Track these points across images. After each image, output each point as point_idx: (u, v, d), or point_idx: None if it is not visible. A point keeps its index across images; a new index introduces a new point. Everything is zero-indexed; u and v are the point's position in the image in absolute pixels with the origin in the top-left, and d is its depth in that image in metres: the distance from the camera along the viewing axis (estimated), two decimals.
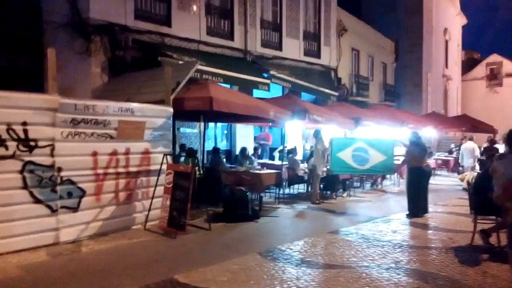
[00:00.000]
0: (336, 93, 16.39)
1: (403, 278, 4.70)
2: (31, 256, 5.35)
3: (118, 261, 5.28)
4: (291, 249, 5.90)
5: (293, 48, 15.24)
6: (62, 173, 5.93)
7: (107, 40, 9.78)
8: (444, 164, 17.90)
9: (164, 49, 10.46)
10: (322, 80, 15.96)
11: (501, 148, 14.52)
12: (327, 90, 15.56)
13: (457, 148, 19.43)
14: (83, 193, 6.21)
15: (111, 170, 6.61)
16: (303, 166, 11.01)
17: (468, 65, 37.00)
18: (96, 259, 5.37)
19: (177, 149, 9.86)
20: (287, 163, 10.73)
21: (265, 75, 12.35)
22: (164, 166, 7.14)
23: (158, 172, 7.09)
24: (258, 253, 5.62)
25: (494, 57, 35.80)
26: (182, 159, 9.20)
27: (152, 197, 7.01)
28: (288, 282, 4.56)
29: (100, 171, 6.45)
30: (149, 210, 6.96)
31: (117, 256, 5.50)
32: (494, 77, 35.42)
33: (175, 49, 10.82)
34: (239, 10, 13.09)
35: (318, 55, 16.59)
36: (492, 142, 14.02)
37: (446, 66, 31.11)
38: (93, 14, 9.45)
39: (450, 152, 19.65)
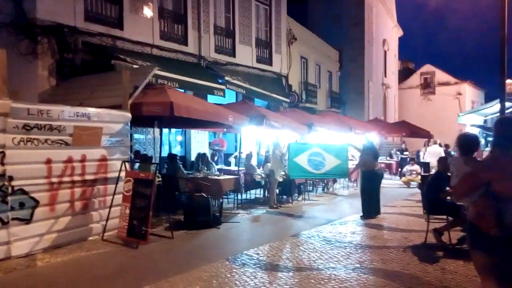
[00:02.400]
0: (288, 100, 16.76)
1: (371, 278, 4.90)
2: None
3: (79, 275, 4.98)
4: (258, 254, 5.92)
5: (246, 55, 15.38)
6: (14, 183, 5.51)
7: (55, 41, 9.26)
8: (387, 167, 18.90)
9: (117, 52, 10.11)
10: (274, 86, 16.24)
11: None
12: (279, 97, 15.85)
13: (398, 153, 20.70)
14: (36, 203, 5.80)
15: (66, 179, 6.25)
16: (259, 171, 11.12)
17: (404, 74, 39.43)
18: (55, 273, 5.03)
19: (132, 156, 9.53)
20: (243, 168, 10.79)
21: (220, 81, 12.34)
22: (123, 174, 6.88)
23: (117, 180, 6.81)
24: (226, 260, 5.58)
25: (428, 67, 38.46)
26: (137, 165, 8.92)
27: (110, 206, 6.71)
28: (262, 287, 4.57)
29: (54, 179, 6.07)
30: (107, 219, 6.66)
31: (78, 269, 5.19)
32: (427, 86, 38.04)
33: (128, 53, 10.51)
34: (193, 15, 12.99)
35: (270, 62, 16.87)
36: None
37: (385, 75, 32.94)
38: (40, 15, 8.91)
39: (391, 156, 20.81)
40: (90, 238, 6.61)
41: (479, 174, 2.76)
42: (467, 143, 3.79)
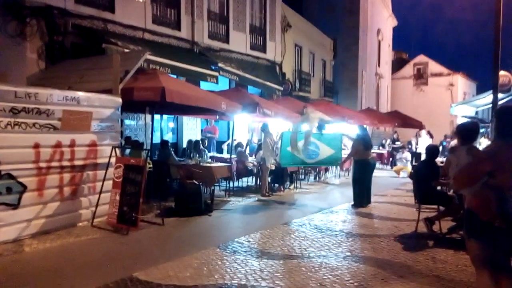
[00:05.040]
0: (281, 88, 16.65)
1: (361, 266, 4.90)
2: None
3: (68, 261, 4.91)
4: (249, 241, 5.90)
5: (239, 42, 15.19)
6: (1, 167, 5.39)
7: (44, 23, 9.02)
8: (379, 157, 18.96)
9: (108, 36, 9.89)
10: (268, 74, 16.11)
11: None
12: (273, 85, 15.73)
13: (390, 143, 20.76)
14: (24, 188, 5.70)
15: (54, 164, 6.13)
16: (252, 159, 11.07)
17: (397, 65, 39.41)
18: (43, 259, 4.96)
19: (122, 142, 9.41)
20: (235, 156, 10.72)
21: (213, 67, 12.18)
22: (113, 159, 6.79)
23: (106, 166, 6.71)
24: (216, 247, 5.54)
25: (421, 58, 38.47)
26: (128, 151, 8.82)
27: (100, 192, 6.62)
28: (253, 275, 4.54)
29: (42, 164, 5.96)
30: (97, 205, 6.58)
31: (66, 256, 5.12)
32: (420, 77, 38.11)
33: (119, 37, 10.29)
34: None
35: (264, 50, 16.70)
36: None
37: (379, 65, 32.89)
38: None
39: (383, 146, 20.88)
40: (80, 224, 6.53)
41: (481, 164, 2.72)
42: (467, 131, 3.75)
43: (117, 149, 6.89)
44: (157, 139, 11.00)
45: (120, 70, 7.25)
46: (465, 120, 16.12)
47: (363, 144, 8.91)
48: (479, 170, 2.71)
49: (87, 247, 5.52)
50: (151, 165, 8.14)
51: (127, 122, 11.09)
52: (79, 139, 6.50)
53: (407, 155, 15.54)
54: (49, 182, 6.06)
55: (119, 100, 7.10)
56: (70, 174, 6.39)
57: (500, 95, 11.82)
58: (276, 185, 10.86)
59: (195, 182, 7.96)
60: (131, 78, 7.53)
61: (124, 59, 7.60)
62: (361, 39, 27.50)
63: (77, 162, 6.49)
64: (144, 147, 9.21)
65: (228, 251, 5.39)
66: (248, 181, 11.60)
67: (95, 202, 6.61)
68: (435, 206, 6.68)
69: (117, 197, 6.52)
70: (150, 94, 7.37)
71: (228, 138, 12.97)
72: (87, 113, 6.60)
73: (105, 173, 6.69)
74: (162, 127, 12.89)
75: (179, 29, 12.49)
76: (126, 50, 9.39)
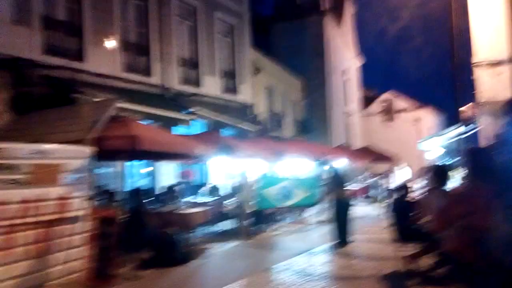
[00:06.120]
0: (255, 129, 16.78)
1: None
2: None
3: None
4: None
5: (211, 85, 15.38)
6: None
7: (10, 75, 8.87)
8: (355, 193, 19.09)
9: (77, 85, 9.80)
10: (241, 116, 16.25)
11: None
12: (246, 126, 15.84)
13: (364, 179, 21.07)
14: None
15: (21, 221, 5.79)
16: (230, 202, 10.89)
17: (367, 101, 40.82)
18: None
19: (93, 193, 9.08)
20: (212, 200, 10.53)
21: (186, 111, 12.20)
22: (84, 212, 6.49)
23: (77, 220, 6.40)
24: None
25: (387, 95, 40.10)
26: (100, 202, 8.50)
27: (71, 248, 6.27)
28: None
29: (7, 222, 5.61)
30: (67, 263, 6.20)
31: None
32: (387, 113, 39.54)
33: (89, 85, 10.20)
34: (155, 47, 12.92)
35: (235, 92, 16.94)
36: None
37: (346, 103, 33.92)
38: None
39: (358, 182, 21.13)
40: (49, 283, 6.10)
41: (456, 207, 2.75)
42: (441, 175, 3.82)
43: (87, 201, 6.62)
44: (130, 187, 10.69)
45: (90, 119, 7.13)
46: (433, 153, 16.63)
47: (336, 183, 8.96)
48: (454, 212, 2.73)
49: None
50: (124, 216, 7.84)
51: (99, 171, 10.77)
52: (47, 193, 6.20)
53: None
54: (15, 241, 5.69)
55: (89, 150, 6.89)
56: (38, 230, 6.03)
57: (464, 129, 12.29)
58: (255, 228, 10.65)
59: (171, 230, 7.70)
60: (102, 127, 7.39)
61: (94, 108, 7.52)
62: (327, 79, 28.47)
63: (45, 218, 6.14)
64: (116, 196, 8.92)
65: None
66: (226, 225, 11.33)
67: (65, 259, 6.23)
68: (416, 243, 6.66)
69: (90, 252, 6.19)
70: (122, 142, 7.24)
71: (203, 182, 12.80)
72: (55, 165, 6.35)
73: (76, 227, 6.37)
74: (136, 173, 12.60)
75: (149, 75, 12.55)
76: (96, 99, 9.28)
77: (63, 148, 6.52)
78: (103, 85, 10.77)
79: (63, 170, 6.47)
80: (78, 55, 10.42)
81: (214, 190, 11.12)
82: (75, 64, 10.22)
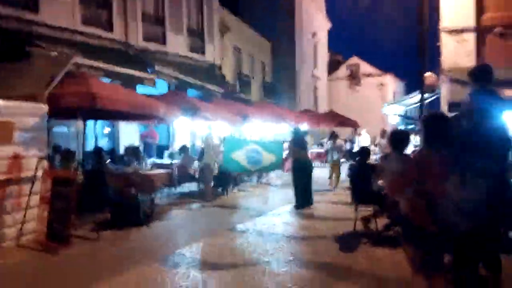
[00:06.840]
0: (222, 90, 16.54)
1: (303, 270, 4.94)
2: None
3: None
4: (191, 252, 5.73)
5: (177, 44, 14.85)
6: None
7: None
8: (318, 156, 19.49)
9: (32, 38, 9.19)
10: (208, 77, 15.91)
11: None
12: (213, 87, 15.57)
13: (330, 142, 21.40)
14: None
15: None
16: (197, 164, 10.84)
17: (333, 66, 40.94)
18: None
19: (51, 152, 8.77)
20: (177, 161, 10.43)
21: (150, 70, 11.79)
22: (39, 172, 6.28)
23: (32, 180, 6.20)
24: (156, 261, 5.32)
25: (353, 60, 40.34)
26: (58, 162, 8.25)
27: (26, 208, 6.10)
28: None
29: None
30: (23, 223, 6.05)
31: None
32: (354, 77, 39.94)
33: (45, 39, 9.60)
34: (118, 1, 12.21)
35: (202, 52, 16.48)
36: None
37: (316, 66, 33.90)
38: None
39: (321, 145, 21.50)
40: (4, 244, 5.96)
41: (410, 172, 2.82)
42: (400, 140, 3.90)
43: (43, 161, 6.39)
44: (91, 147, 10.40)
45: (46, 75, 6.76)
46: (395, 118, 17.06)
47: (297, 145, 9.06)
48: (408, 177, 2.81)
49: (14, 269, 5.05)
50: (82, 176, 7.66)
51: (58, 129, 10.38)
52: (0, 151, 5.93)
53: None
54: None
55: (45, 107, 6.58)
56: None
57: (426, 95, 12.61)
58: (220, 189, 10.74)
59: (133, 191, 7.61)
60: (58, 84, 7.03)
61: (50, 63, 7.13)
62: (298, 41, 28.14)
63: None
64: (76, 156, 8.67)
65: (169, 265, 5.18)
66: (190, 187, 11.35)
67: (20, 219, 6.07)
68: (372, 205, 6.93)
69: (46, 213, 6.05)
70: (79, 100, 6.93)
71: (169, 143, 12.63)
72: (8, 123, 6.04)
73: (31, 187, 6.17)
74: (97, 133, 12.23)
75: (111, 30, 11.94)
76: (53, 54, 8.76)
77: (17, 105, 6.19)
78: (60, 39, 10.17)
79: (17, 128, 6.19)
80: (33, 6, 9.70)
81: (183, 151, 10.98)
82: (30, 16, 9.54)
